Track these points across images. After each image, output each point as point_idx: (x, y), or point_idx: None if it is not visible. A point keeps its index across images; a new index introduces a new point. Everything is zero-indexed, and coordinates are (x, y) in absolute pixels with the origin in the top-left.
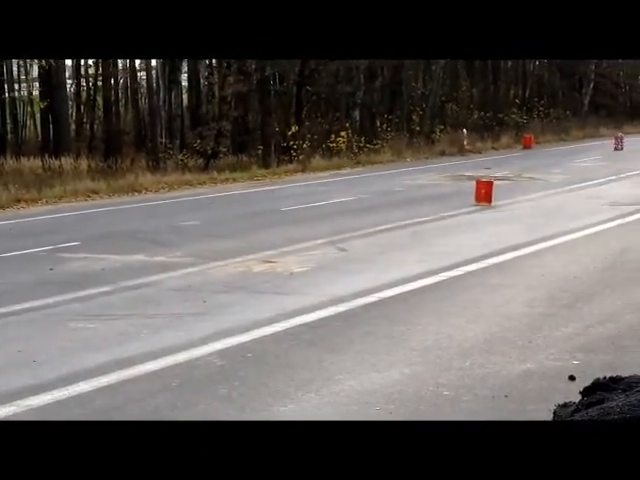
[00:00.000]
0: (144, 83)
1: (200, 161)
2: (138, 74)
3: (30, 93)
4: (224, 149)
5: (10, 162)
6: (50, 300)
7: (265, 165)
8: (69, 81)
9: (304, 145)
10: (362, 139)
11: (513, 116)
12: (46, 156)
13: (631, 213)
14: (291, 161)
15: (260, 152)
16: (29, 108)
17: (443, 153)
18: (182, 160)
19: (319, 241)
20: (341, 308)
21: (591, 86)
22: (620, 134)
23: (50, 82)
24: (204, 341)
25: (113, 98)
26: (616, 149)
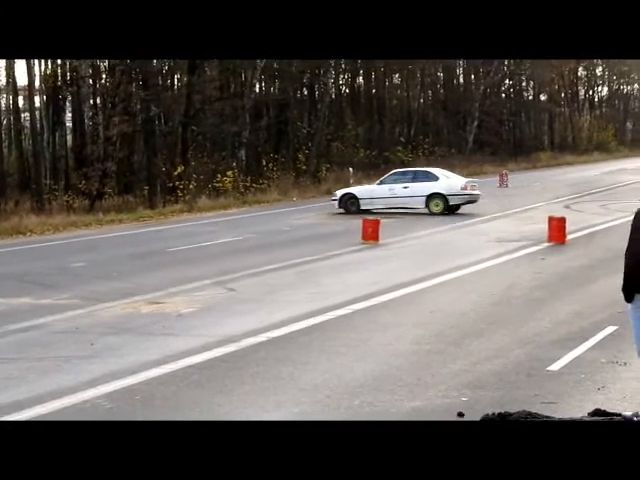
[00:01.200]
0: (28, 124)
1: (85, 202)
2: (22, 115)
3: None
4: (109, 190)
5: None
6: None
7: (151, 206)
8: None
9: (190, 185)
10: (248, 178)
11: (399, 154)
12: None
13: (516, 249)
14: (177, 201)
15: (146, 192)
16: None
17: (329, 192)
18: (67, 201)
19: (207, 281)
20: (230, 348)
21: (475, 124)
22: (505, 171)
23: None
24: (92, 384)
25: None
26: (501, 186)
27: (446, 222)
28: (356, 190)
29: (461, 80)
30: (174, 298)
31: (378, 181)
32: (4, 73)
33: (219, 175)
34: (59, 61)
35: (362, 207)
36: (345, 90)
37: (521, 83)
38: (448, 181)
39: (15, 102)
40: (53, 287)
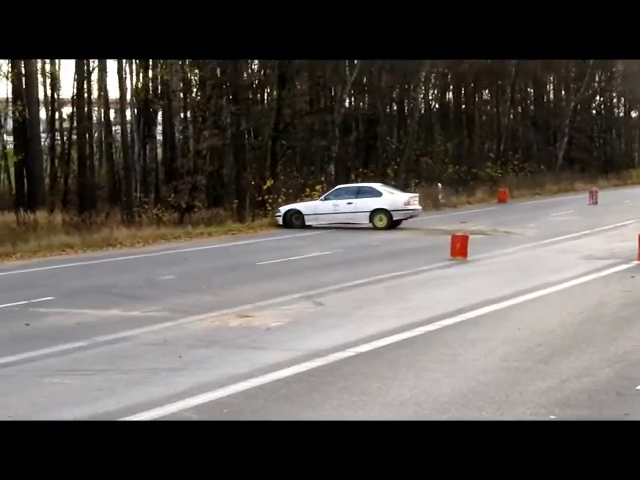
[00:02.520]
0: (119, 137)
1: (175, 215)
2: (113, 128)
3: (4, 147)
4: (199, 203)
5: None
6: (25, 355)
7: (240, 219)
8: (43, 135)
9: (279, 199)
10: None
11: (487, 170)
12: (20, 210)
13: (606, 267)
14: (266, 215)
15: (235, 206)
16: (3, 162)
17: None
18: (157, 214)
19: (295, 295)
20: (317, 363)
21: (565, 140)
22: (594, 188)
23: (25, 135)
24: (180, 396)
25: (88, 152)
26: (591, 203)
27: (535, 239)
28: (300, 206)
29: (551, 96)
30: (262, 312)
31: (322, 197)
32: (96, 86)
33: (308, 189)
34: (150, 74)
35: (307, 223)
36: (434, 105)
37: (612, 99)
38: (391, 197)
39: (107, 115)
40: (142, 299)
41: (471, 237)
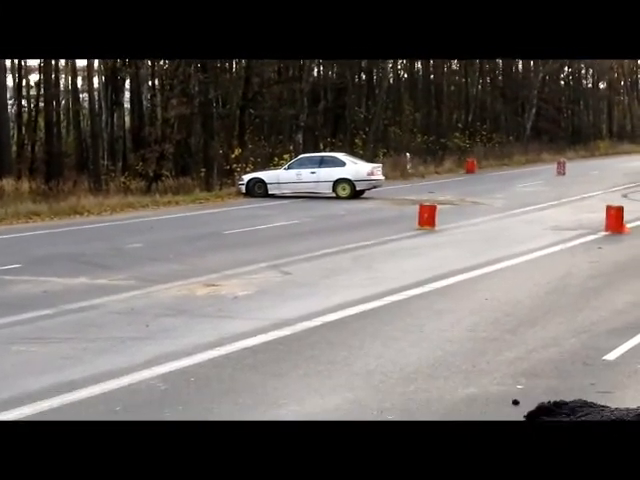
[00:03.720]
0: (86, 105)
1: (143, 184)
2: (80, 96)
3: None
4: (166, 172)
5: None
6: None
7: (208, 188)
8: (10, 102)
9: (247, 168)
10: None
11: (456, 140)
12: None
13: (573, 238)
14: (234, 184)
15: (203, 175)
16: None
17: (386, 177)
18: (124, 182)
19: (262, 264)
20: (284, 332)
21: (533, 111)
22: (562, 159)
23: None
24: (147, 365)
25: (55, 119)
26: (558, 174)
27: (502, 209)
28: (263, 175)
29: (520, 67)
30: (230, 281)
31: (286, 166)
32: None
33: (276, 158)
34: None
35: (270, 192)
36: (403, 75)
37: (580, 71)
38: (355, 166)
39: (74, 83)
40: (109, 268)
41: (439, 207)
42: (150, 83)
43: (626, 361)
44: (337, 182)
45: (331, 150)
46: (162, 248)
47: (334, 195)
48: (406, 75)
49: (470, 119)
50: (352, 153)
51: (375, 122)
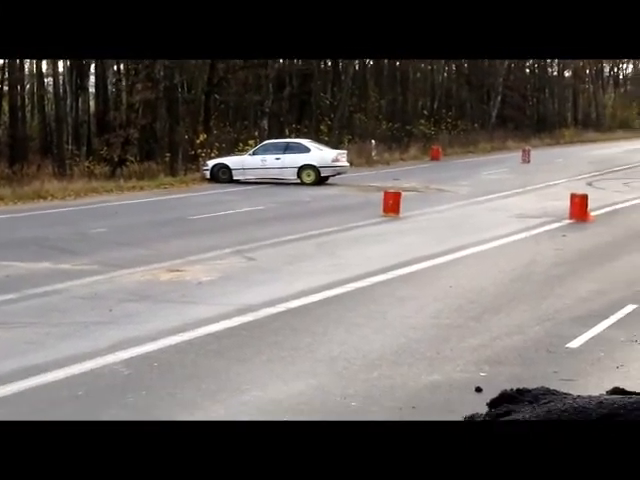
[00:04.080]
0: (51, 89)
1: (107, 168)
2: (45, 80)
3: None
4: (131, 157)
5: None
6: None
7: (173, 173)
8: None
9: (212, 153)
10: None
11: (421, 127)
12: None
13: (537, 226)
14: (199, 169)
15: (168, 160)
16: None
17: (351, 164)
18: (89, 167)
19: (227, 250)
20: (248, 318)
21: (499, 99)
22: (527, 147)
23: None
24: (110, 350)
25: (19, 103)
26: (523, 162)
27: (467, 197)
28: (228, 160)
29: None
30: (194, 266)
31: (250, 152)
32: None
33: (241, 144)
34: None
35: (234, 177)
36: (369, 62)
37: (545, 59)
38: (320, 153)
39: (38, 67)
40: (73, 252)
41: (404, 194)
42: (115, 68)
43: (589, 349)
44: (302, 168)
45: (296, 136)
46: (126, 233)
47: (299, 181)
48: (372, 62)
49: (435, 106)
50: (317, 139)
51: (340, 109)
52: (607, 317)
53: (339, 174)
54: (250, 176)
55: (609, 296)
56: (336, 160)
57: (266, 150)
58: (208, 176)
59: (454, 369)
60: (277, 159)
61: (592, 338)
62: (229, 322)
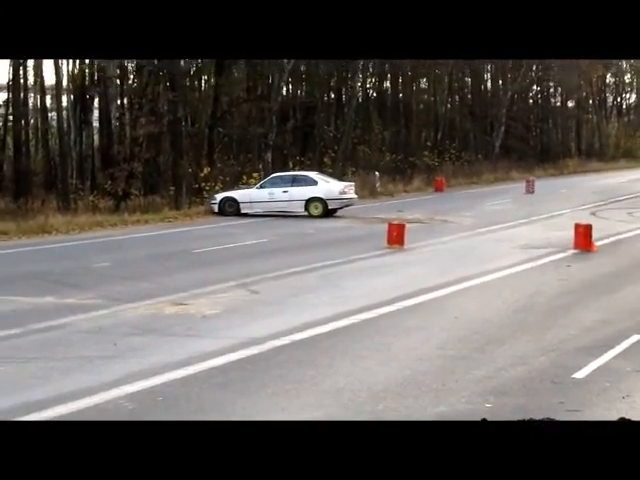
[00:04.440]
0: (55, 123)
1: (111, 202)
2: (49, 114)
3: None
4: (135, 190)
5: None
6: None
7: (177, 207)
8: None
9: (216, 187)
10: None
11: (425, 159)
12: None
13: (542, 256)
14: (203, 203)
15: (172, 194)
16: None
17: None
18: (93, 201)
19: (231, 283)
20: (253, 351)
21: (502, 129)
22: (531, 178)
23: None
24: (114, 384)
25: (23, 138)
26: (527, 192)
27: (471, 228)
28: (236, 194)
29: (489, 85)
30: (198, 300)
31: (258, 185)
32: (32, 72)
33: (245, 177)
34: (87, 61)
35: (242, 211)
36: (372, 94)
37: (549, 89)
38: (327, 185)
39: (43, 101)
40: (77, 287)
41: (408, 226)
42: (119, 102)
43: (595, 379)
44: (309, 201)
45: (300, 169)
46: (130, 267)
47: (307, 214)
48: (375, 93)
49: (439, 137)
50: (321, 172)
51: (344, 141)
52: (612, 347)
53: (347, 206)
54: (258, 209)
55: (614, 326)
56: (343, 192)
57: (273, 183)
58: (216, 210)
59: (459, 400)
60: (284, 192)
61: (597, 368)
62: (234, 355)
